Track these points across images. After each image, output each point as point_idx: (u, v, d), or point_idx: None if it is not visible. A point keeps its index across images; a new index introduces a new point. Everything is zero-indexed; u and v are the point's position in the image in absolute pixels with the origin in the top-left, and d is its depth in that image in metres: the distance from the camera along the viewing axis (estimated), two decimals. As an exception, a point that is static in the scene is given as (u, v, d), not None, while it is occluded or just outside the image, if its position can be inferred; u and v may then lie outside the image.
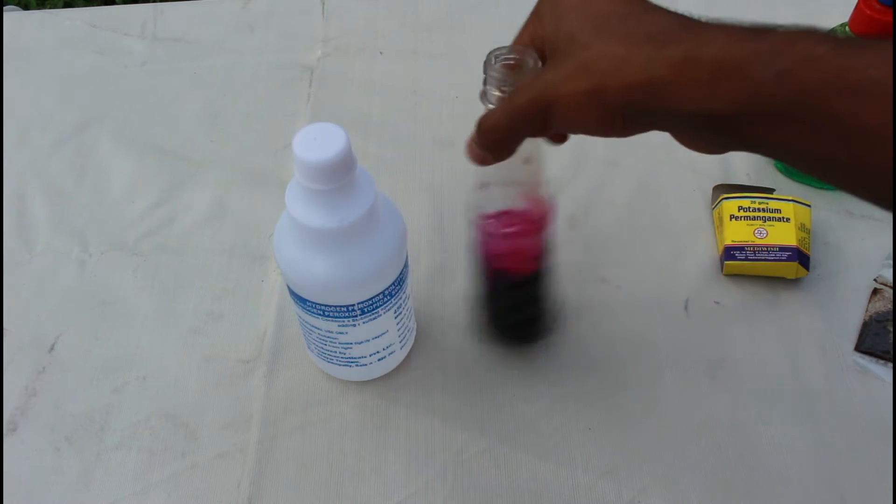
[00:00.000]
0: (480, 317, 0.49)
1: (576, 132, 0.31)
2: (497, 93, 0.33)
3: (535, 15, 0.33)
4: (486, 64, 0.33)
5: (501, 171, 0.36)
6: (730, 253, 0.51)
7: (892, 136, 0.23)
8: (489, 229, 0.41)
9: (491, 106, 0.34)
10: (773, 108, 0.25)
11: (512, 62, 0.33)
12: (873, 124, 0.23)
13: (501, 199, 0.40)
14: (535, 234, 0.42)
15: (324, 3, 0.73)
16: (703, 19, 0.28)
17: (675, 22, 0.28)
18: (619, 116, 0.29)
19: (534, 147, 0.37)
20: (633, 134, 0.30)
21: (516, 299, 0.47)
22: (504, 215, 0.41)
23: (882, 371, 0.48)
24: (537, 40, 0.33)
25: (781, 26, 0.26)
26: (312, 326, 0.43)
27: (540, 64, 0.33)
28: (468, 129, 0.40)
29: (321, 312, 0.41)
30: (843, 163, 0.25)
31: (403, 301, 0.44)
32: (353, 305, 0.41)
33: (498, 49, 0.34)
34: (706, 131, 0.28)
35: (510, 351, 0.49)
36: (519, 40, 0.34)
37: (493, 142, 0.33)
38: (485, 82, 0.34)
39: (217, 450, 0.46)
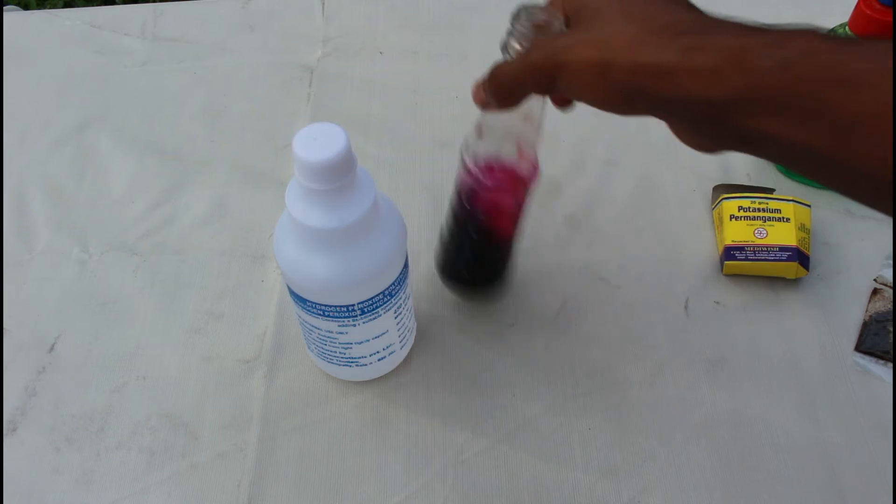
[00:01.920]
0: (444, 257, 0.50)
1: (579, 99, 0.32)
2: (518, 46, 0.34)
3: None
4: (514, 17, 0.34)
5: (500, 121, 0.38)
6: (730, 253, 0.51)
7: (886, 125, 0.24)
8: (476, 175, 0.42)
9: (509, 58, 0.35)
10: (770, 96, 0.26)
11: (540, 22, 0.34)
12: (866, 113, 0.24)
13: (494, 148, 0.41)
14: (517, 193, 0.43)
15: (324, 3, 0.73)
16: (719, 16, 0.30)
17: (692, 15, 0.30)
18: (621, 93, 0.30)
19: (538, 106, 0.38)
20: (631, 114, 0.31)
21: (480, 252, 0.48)
22: (492, 167, 0.41)
23: (882, 371, 0.48)
24: (567, 5, 0.34)
25: (785, 25, 0.27)
26: (312, 326, 0.43)
27: (564, 27, 0.34)
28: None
29: (321, 312, 0.41)
30: (835, 156, 0.26)
31: (403, 301, 0.44)
32: (353, 305, 0.41)
33: (529, 5, 0.35)
34: (703, 122, 0.29)
35: (457, 294, 0.51)
36: (549, 4, 0.35)
37: (501, 89, 0.34)
38: (508, 33, 0.35)
39: (217, 450, 0.46)
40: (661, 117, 0.31)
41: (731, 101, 0.27)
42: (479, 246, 0.47)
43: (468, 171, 0.42)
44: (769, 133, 0.27)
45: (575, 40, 0.31)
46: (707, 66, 0.27)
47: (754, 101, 0.27)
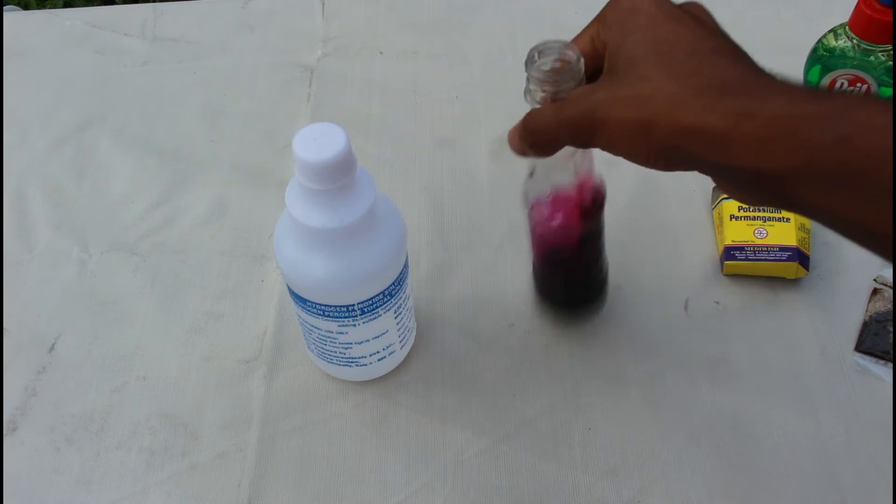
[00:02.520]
0: (538, 294, 0.49)
1: (618, 155, 0.31)
2: (540, 92, 0.33)
3: (601, 20, 0.33)
4: (528, 62, 0.34)
5: (549, 161, 0.37)
6: (730, 253, 0.51)
7: None
8: (536, 217, 0.42)
9: (535, 104, 0.34)
10: (827, 173, 0.25)
11: (557, 66, 0.33)
12: None
13: (551, 184, 0.40)
14: (586, 221, 0.42)
15: (324, 3, 0.73)
16: (766, 70, 0.28)
17: (738, 71, 0.28)
18: (662, 154, 0.29)
19: None
20: (673, 170, 0.30)
21: (564, 276, 0.47)
22: (550, 202, 0.41)
23: (882, 371, 0.48)
24: (598, 44, 0.32)
25: (842, 91, 0.26)
26: (312, 326, 0.43)
27: (582, 64, 0.33)
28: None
29: (321, 312, 0.41)
30: (891, 235, 0.25)
31: (403, 301, 0.44)
32: (353, 305, 0.41)
33: (541, 45, 0.34)
34: (750, 185, 0.28)
35: (567, 318, 0.50)
36: (579, 40, 0.34)
37: (537, 144, 0.34)
38: (527, 79, 0.34)
39: (217, 450, 0.46)
40: (705, 174, 0.30)
41: (784, 173, 0.26)
42: (567, 276, 0.47)
43: (536, 214, 0.42)
44: (824, 206, 0.26)
45: (612, 96, 0.29)
46: (758, 135, 0.26)
47: (810, 175, 0.25)
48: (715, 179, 0.31)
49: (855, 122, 0.24)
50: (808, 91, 0.27)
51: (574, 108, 0.31)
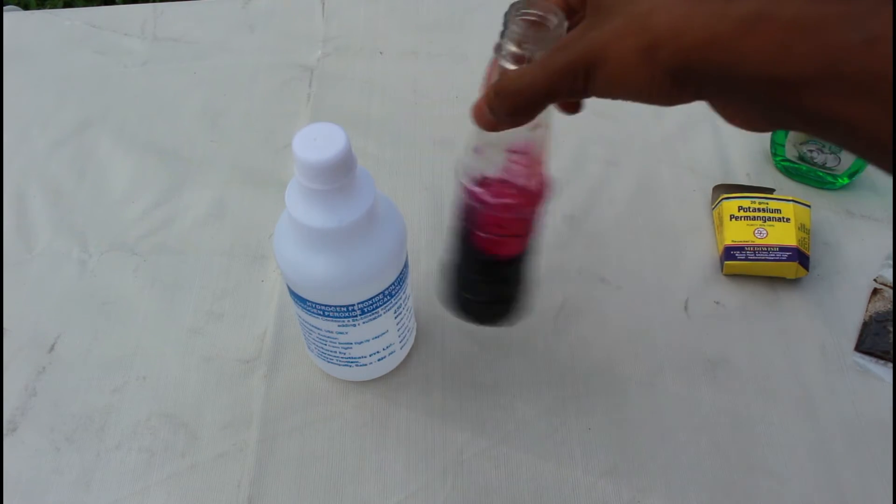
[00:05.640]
0: (448, 285, 0.45)
1: (618, 97, 0.28)
2: (516, 49, 0.30)
3: None
4: (507, 16, 0.31)
5: (504, 136, 0.33)
6: (730, 253, 0.51)
7: None
8: (480, 197, 0.37)
9: (508, 65, 0.31)
10: (852, 78, 0.22)
11: (534, 17, 0.31)
12: None
13: (498, 166, 0.36)
14: (528, 209, 0.38)
15: (324, 3, 0.73)
16: None
17: None
18: (669, 78, 0.26)
19: (545, 112, 0.32)
20: (678, 102, 0.27)
21: (491, 277, 0.43)
22: (498, 183, 0.37)
23: (882, 371, 0.48)
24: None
25: None
26: (312, 326, 0.43)
27: (566, 24, 0.31)
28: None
29: (321, 312, 0.41)
30: None
31: (403, 301, 0.44)
32: (353, 305, 0.41)
33: (518, 2, 0.31)
34: (764, 100, 0.25)
35: (470, 323, 0.46)
36: None
37: (518, 106, 0.30)
38: (502, 35, 0.31)
39: (217, 450, 0.46)
40: (712, 98, 0.27)
41: (803, 80, 0.23)
42: (485, 270, 0.42)
43: (472, 197, 0.37)
44: (845, 118, 0.23)
45: (606, 31, 0.27)
46: (776, 38, 0.23)
47: (833, 81, 0.23)
48: (725, 102, 0.28)
49: (885, 23, 0.22)
50: None
51: (566, 54, 0.28)
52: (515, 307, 0.45)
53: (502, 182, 0.37)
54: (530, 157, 0.36)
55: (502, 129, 0.32)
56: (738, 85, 0.25)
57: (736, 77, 0.25)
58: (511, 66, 0.31)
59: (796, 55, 0.23)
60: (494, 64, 0.32)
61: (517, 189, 0.37)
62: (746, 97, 0.26)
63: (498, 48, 0.31)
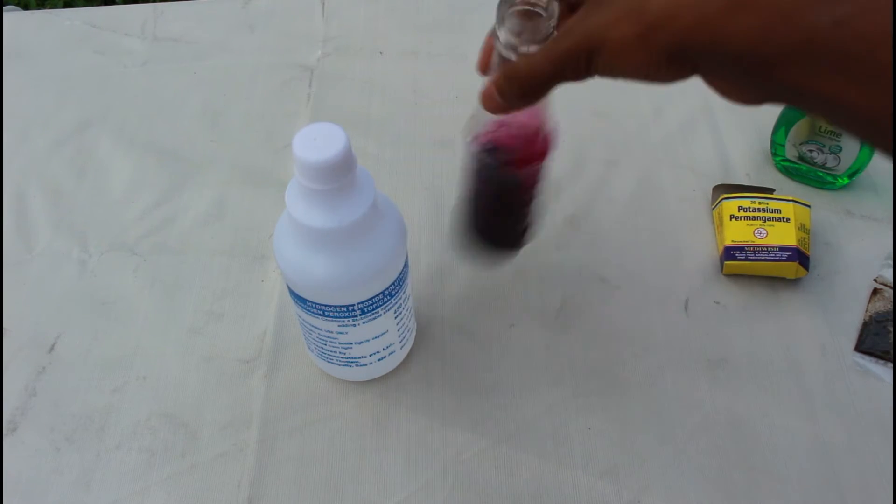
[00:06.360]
0: (464, 220, 0.47)
1: (619, 77, 0.31)
2: (513, 39, 0.33)
3: None
4: (500, 8, 0.33)
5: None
6: (730, 253, 0.51)
7: None
8: (496, 123, 0.40)
9: (505, 52, 0.33)
10: (826, 55, 0.25)
11: (527, 7, 0.32)
12: None
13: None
14: (536, 136, 0.41)
15: (324, 3, 0.73)
16: None
17: None
18: (666, 58, 0.29)
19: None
20: (676, 79, 0.30)
21: (506, 202, 0.45)
22: (507, 125, 0.39)
23: (882, 371, 0.48)
24: None
25: None
26: (312, 326, 0.43)
27: (556, 11, 0.33)
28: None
29: (321, 312, 0.41)
30: (889, 120, 0.24)
31: (403, 301, 0.44)
32: (353, 305, 0.41)
33: None
34: (751, 76, 0.28)
35: (485, 255, 0.48)
36: None
37: (528, 89, 0.33)
38: (499, 21, 0.33)
39: (217, 450, 0.46)
40: (706, 75, 0.30)
41: (783, 59, 0.26)
42: (511, 202, 0.45)
43: (485, 136, 0.40)
44: (822, 92, 0.26)
45: (606, 17, 0.29)
46: (756, 21, 0.26)
47: (808, 58, 0.25)
48: (717, 77, 0.31)
49: (855, 3, 0.24)
50: None
51: (568, 40, 0.31)
52: (531, 230, 0.47)
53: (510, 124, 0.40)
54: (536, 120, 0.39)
55: (512, 112, 0.35)
56: (727, 62, 0.28)
57: (724, 55, 0.27)
58: (510, 55, 0.33)
59: (774, 35, 0.26)
60: (489, 42, 0.34)
61: (523, 124, 0.40)
62: (736, 74, 0.28)
63: (494, 35, 0.33)
